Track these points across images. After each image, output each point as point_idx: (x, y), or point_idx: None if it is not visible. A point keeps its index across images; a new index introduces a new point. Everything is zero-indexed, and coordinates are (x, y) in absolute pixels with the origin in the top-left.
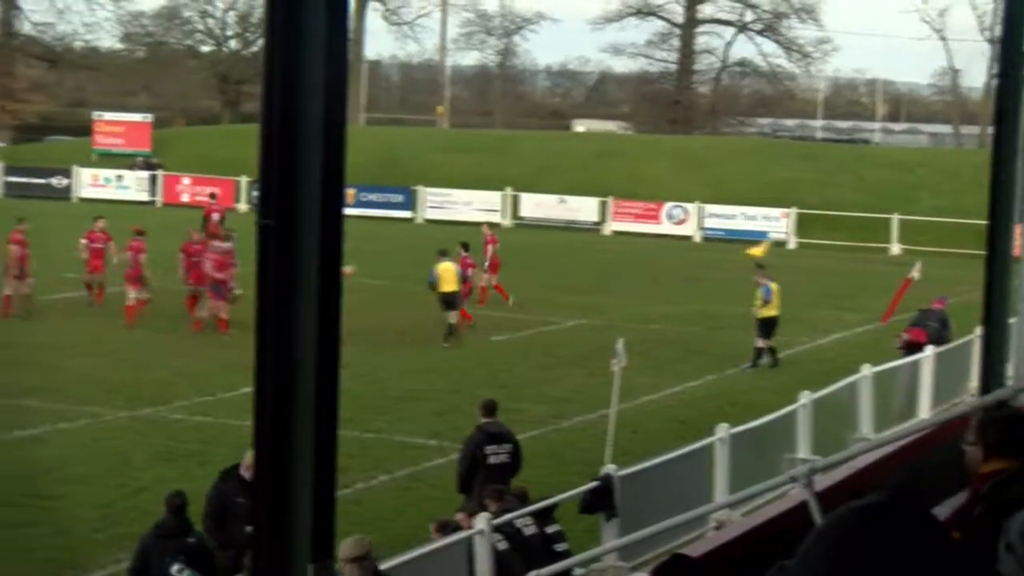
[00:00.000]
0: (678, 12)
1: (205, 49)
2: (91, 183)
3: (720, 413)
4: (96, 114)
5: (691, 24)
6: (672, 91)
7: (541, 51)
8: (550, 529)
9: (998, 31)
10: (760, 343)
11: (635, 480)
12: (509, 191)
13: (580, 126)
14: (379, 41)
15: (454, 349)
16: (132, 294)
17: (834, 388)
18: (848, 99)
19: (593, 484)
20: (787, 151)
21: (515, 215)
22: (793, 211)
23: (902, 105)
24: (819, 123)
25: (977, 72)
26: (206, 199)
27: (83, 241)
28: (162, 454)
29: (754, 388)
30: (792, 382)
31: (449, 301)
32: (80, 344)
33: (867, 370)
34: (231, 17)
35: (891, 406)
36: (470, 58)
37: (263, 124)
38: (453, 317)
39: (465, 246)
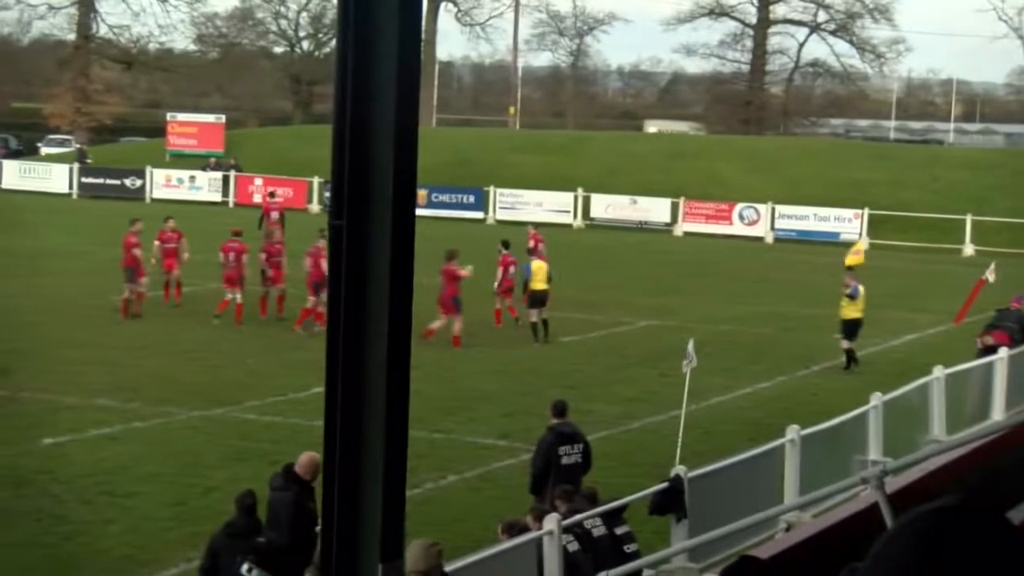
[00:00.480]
0: (751, 12)
1: (278, 50)
2: (164, 184)
3: (790, 414)
4: (170, 115)
5: (764, 24)
6: (744, 91)
7: (613, 52)
8: (619, 530)
9: None
10: (845, 344)
11: (705, 481)
12: (580, 192)
13: (652, 127)
14: (451, 42)
15: (521, 349)
16: (237, 295)
17: (906, 390)
18: (922, 99)
19: (663, 485)
20: (860, 152)
21: (586, 216)
22: (865, 212)
23: (977, 105)
24: (892, 124)
25: None
26: (265, 198)
27: (156, 243)
28: (233, 454)
29: (825, 389)
30: (863, 384)
31: (539, 299)
32: (155, 344)
33: (939, 371)
34: (304, 18)
35: (964, 408)
36: (542, 59)
37: (335, 125)
38: (535, 315)
39: (506, 244)
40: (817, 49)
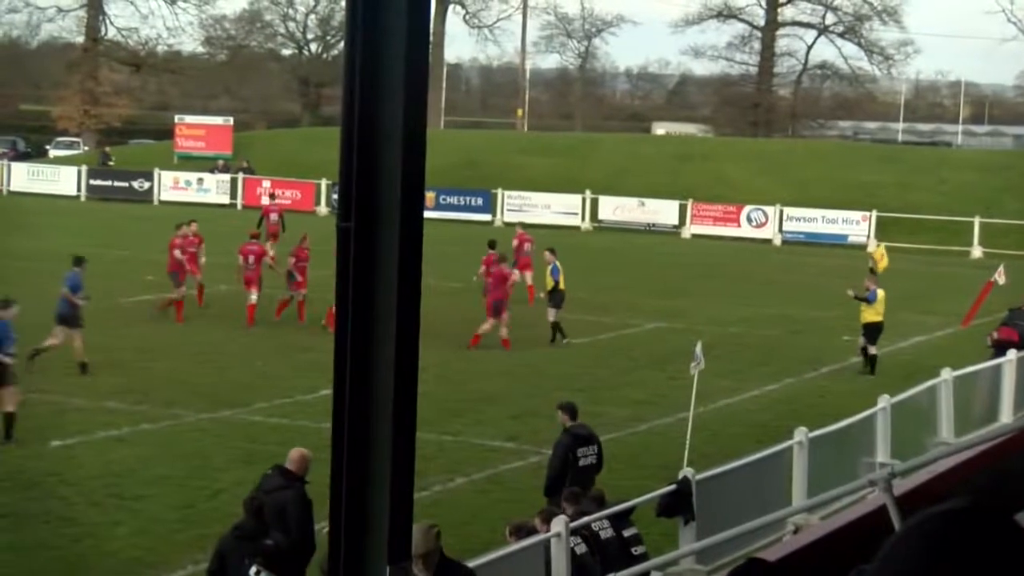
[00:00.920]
0: (759, 14)
1: (286, 52)
2: (172, 186)
3: (798, 416)
4: (178, 117)
5: (772, 26)
6: (752, 94)
7: (621, 54)
8: (627, 532)
9: None
10: (864, 345)
11: (713, 483)
12: (588, 194)
13: (660, 129)
14: (459, 44)
15: (529, 351)
16: (253, 296)
17: (913, 392)
18: (930, 101)
19: (671, 487)
20: (868, 154)
21: (594, 218)
22: (873, 214)
23: (986, 107)
24: (900, 126)
25: None
26: (265, 199)
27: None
28: (241, 456)
29: (833, 392)
30: (871, 385)
31: (562, 300)
32: (163, 346)
33: (947, 374)
34: (312, 21)
35: (972, 410)
36: (550, 61)
37: (343, 127)
38: (554, 315)
39: (492, 244)
40: (825, 51)
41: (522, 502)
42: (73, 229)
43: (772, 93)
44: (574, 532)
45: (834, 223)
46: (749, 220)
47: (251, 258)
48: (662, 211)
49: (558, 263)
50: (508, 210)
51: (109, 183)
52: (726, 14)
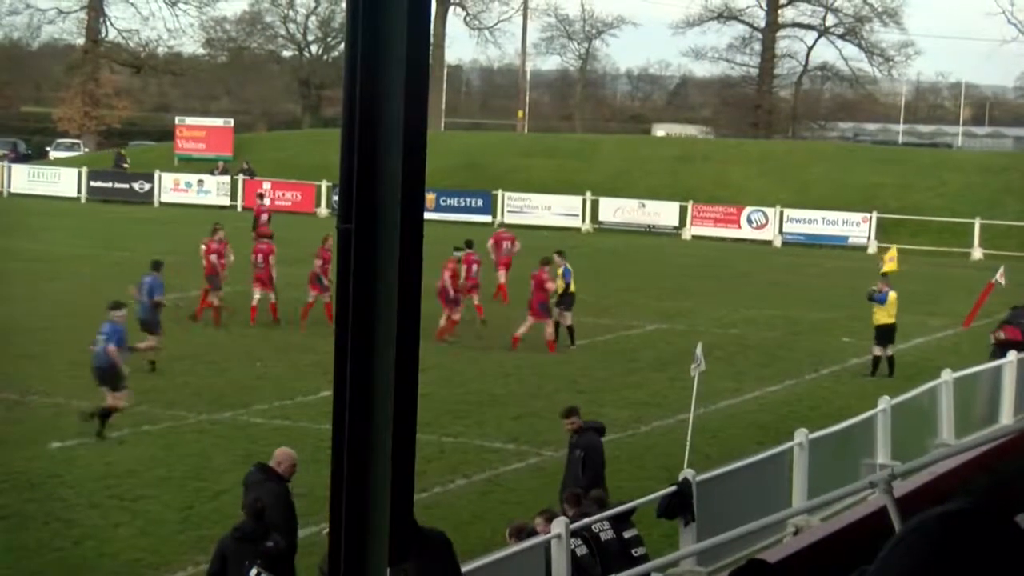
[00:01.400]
0: (759, 16)
1: (286, 54)
2: (172, 188)
3: (799, 418)
4: (178, 119)
5: (772, 28)
6: (753, 95)
7: (622, 55)
8: (628, 534)
9: None
10: (878, 351)
11: (713, 485)
12: (589, 195)
13: (660, 130)
14: (460, 46)
15: (530, 352)
16: (257, 295)
17: (914, 393)
18: (931, 103)
19: (671, 489)
20: (868, 155)
21: (595, 219)
22: (874, 216)
23: (986, 108)
24: (901, 127)
25: None
26: (256, 200)
27: (203, 250)
28: (242, 457)
29: (834, 393)
30: (872, 387)
31: (572, 302)
32: (164, 347)
33: (947, 375)
34: (312, 22)
35: (972, 411)
36: (551, 63)
37: (344, 129)
38: (570, 319)
39: (468, 243)
40: (826, 53)
41: (523, 503)
42: (73, 231)
43: (773, 95)
44: (574, 534)
45: (834, 224)
46: (749, 221)
47: (259, 257)
48: (663, 212)
49: (568, 265)
50: (508, 212)
51: (110, 185)
52: (727, 16)
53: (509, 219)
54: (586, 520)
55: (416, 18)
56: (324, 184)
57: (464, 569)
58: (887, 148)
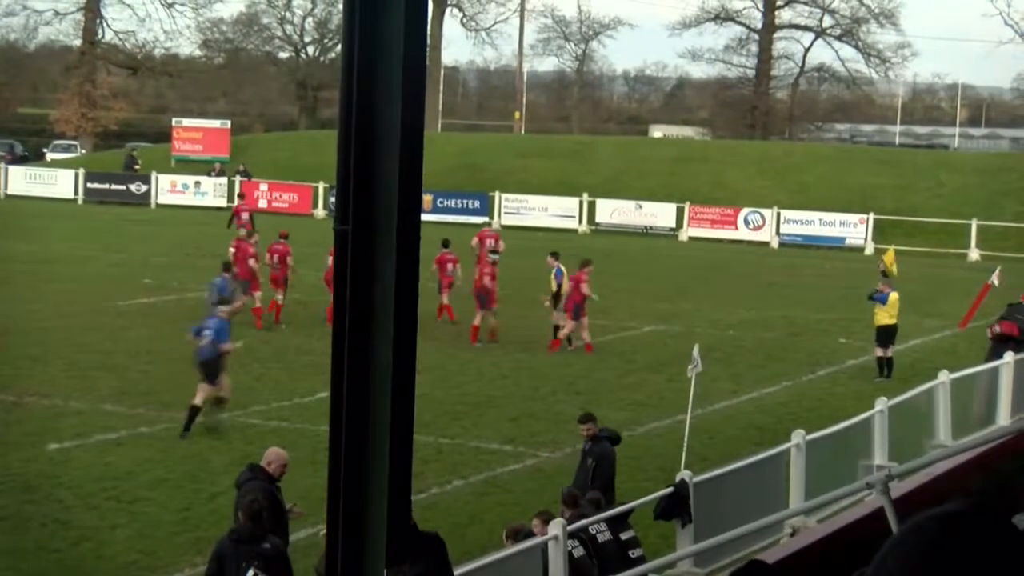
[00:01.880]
0: (756, 17)
1: (283, 55)
2: (169, 189)
3: (797, 419)
4: (175, 120)
5: (769, 29)
6: (750, 96)
7: (619, 57)
8: (625, 535)
9: None
10: (880, 352)
11: (710, 486)
12: (586, 197)
13: (657, 132)
14: (457, 47)
15: (528, 353)
16: (279, 296)
17: (911, 394)
18: (927, 104)
19: (668, 490)
20: (865, 157)
21: (592, 221)
22: (871, 217)
23: (983, 110)
24: (898, 128)
25: None
26: (237, 202)
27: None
28: (239, 459)
29: (831, 394)
30: (870, 388)
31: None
32: (161, 349)
33: (944, 376)
34: (309, 23)
35: (969, 412)
36: (547, 64)
37: (341, 130)
38: (562, 319)
39: (445, 243)
40: (823, 54)
41: (520, 505)
42: (71, 232)
43: (769, 96)
44: (571, 535)
45: (831, 226)
46: (746, 223)
47: (275, 257)
48: (660, 214)
49: (562, 267)
50: (506, 213)
51: (107, 186)
52: (723, 17)
53: (506, 220)
54: (583, 521)
55: (413, 19)
56: (321, 186)
57: (461, 570)
58: (884, 149)
